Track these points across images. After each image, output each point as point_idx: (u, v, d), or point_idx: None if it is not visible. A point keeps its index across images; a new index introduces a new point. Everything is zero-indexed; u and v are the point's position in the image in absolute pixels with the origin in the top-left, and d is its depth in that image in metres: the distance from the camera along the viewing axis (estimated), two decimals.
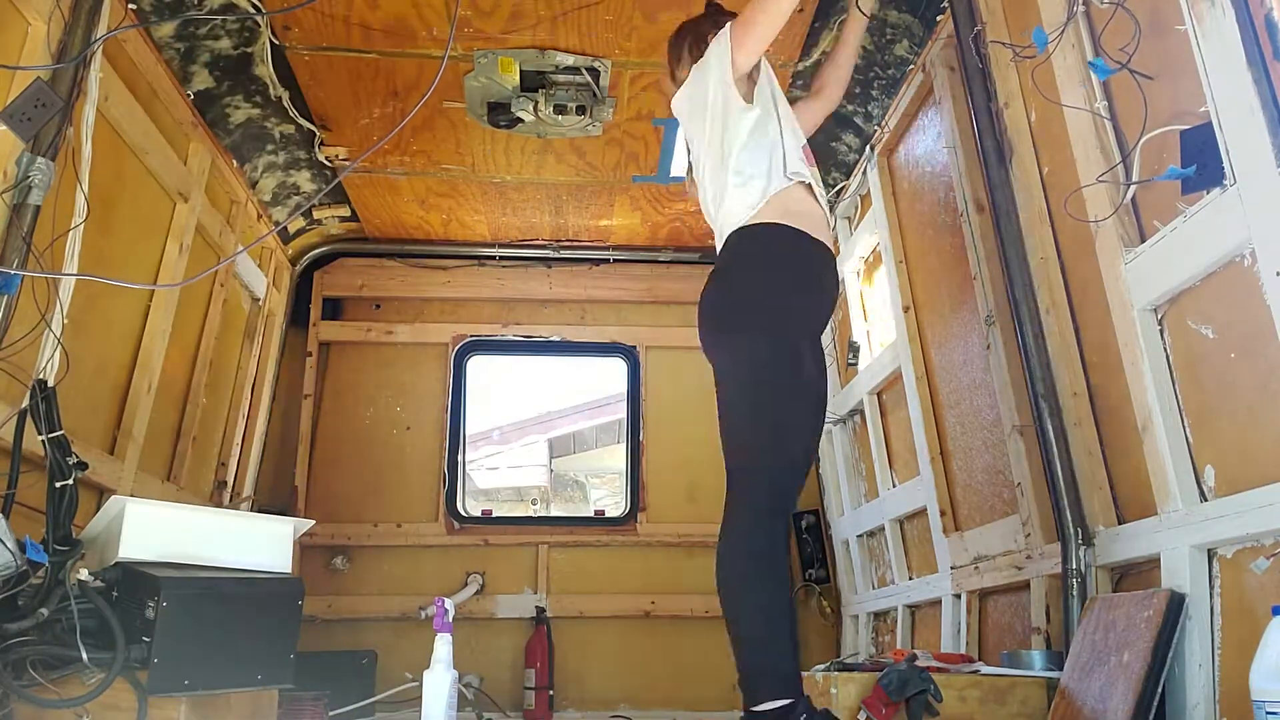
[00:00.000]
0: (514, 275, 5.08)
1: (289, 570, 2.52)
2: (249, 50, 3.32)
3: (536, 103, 3.50)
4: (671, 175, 4.23)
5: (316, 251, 4.91)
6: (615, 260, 5.09)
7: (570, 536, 4.84)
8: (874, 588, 4.24)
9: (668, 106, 2.75)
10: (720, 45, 2.46)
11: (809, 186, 2.45)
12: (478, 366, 5.24)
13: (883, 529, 4.03)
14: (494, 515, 5.49)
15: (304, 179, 4.18)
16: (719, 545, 2.26)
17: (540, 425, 11.78)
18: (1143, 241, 2.18)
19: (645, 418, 5.00)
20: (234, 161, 3.83)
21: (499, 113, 3.61)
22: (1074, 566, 2.44)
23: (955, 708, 2.31)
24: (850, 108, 3.71)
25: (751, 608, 2.22)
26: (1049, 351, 2.59)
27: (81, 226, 2.59)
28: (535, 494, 10.93)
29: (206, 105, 3.46)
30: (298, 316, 4.86)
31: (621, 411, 5.55)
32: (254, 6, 3.04)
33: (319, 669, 3.75)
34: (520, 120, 3.61)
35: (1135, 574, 2.34)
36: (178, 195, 3.40)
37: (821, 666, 2.76)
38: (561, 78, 3.46)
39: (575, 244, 5.02)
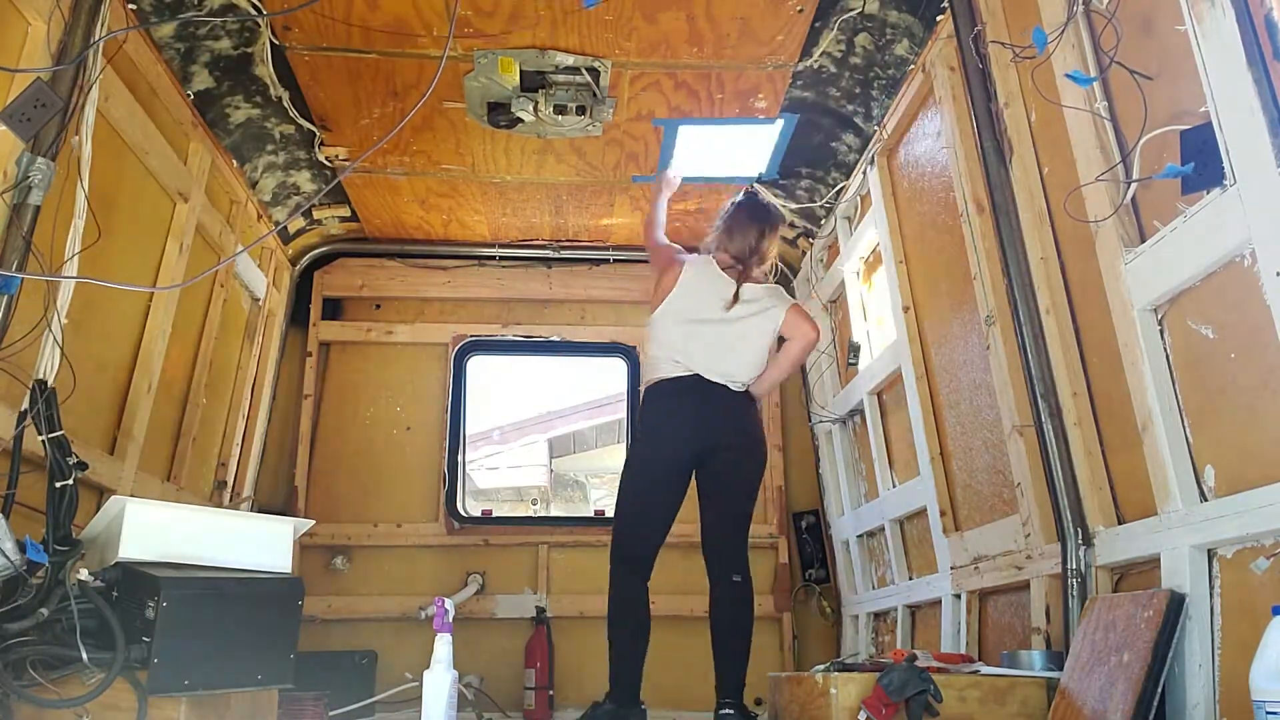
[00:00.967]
0: (514, 275, 5.08)
1: (289, 570, 2.52)
2: (249, 50, 3.32)
3: (536, 103, 3.50)
4: None
5: (316, 251, 4.91)
6: (615, 260, 5.09)
7: (570, 536, 4.84)
8: (874, 588, 4.24)
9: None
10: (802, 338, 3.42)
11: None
12: (478, 366, 5.24)
13: (883, 529, 4.03)
14: (494, 515, 5.49)
15: (304, 179, 4.18)
16: (747, 584, 3.31)
17: (540, 425, 11.78)
18: (1143, 241, 2.18)
19: None
20: (234, 161, 3.83)
21: (499, 113, 3.61)
22: (1074, 566, 2.44)
23: (955, 708, 2.31)
24: (850, 108, 3.71)
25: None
26: (1049, 351, 2.59)
27: (81, 226, 2.59)
28: (535, 494, 10.93)
29: (206, 105, 3.46)
30: (298, 316, 4.86)
31: (621, 411, 5.55)
32: (254, 7, 3.04)
33: (319, 669, 3.75)
34: (520, 120, 3.61)
35: (1135, 574, 2.34)
36: (178, 195, 3.40)
37: (821, 666, 2.76)
38: (561, 78, 3.46)
39: (575, 244, 5.02)
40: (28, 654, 2.06)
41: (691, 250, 3.62)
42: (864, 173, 3.94)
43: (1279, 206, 1.72)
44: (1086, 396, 2.52)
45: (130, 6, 2.87)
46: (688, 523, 4.71)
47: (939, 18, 3.05)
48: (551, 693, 4.38)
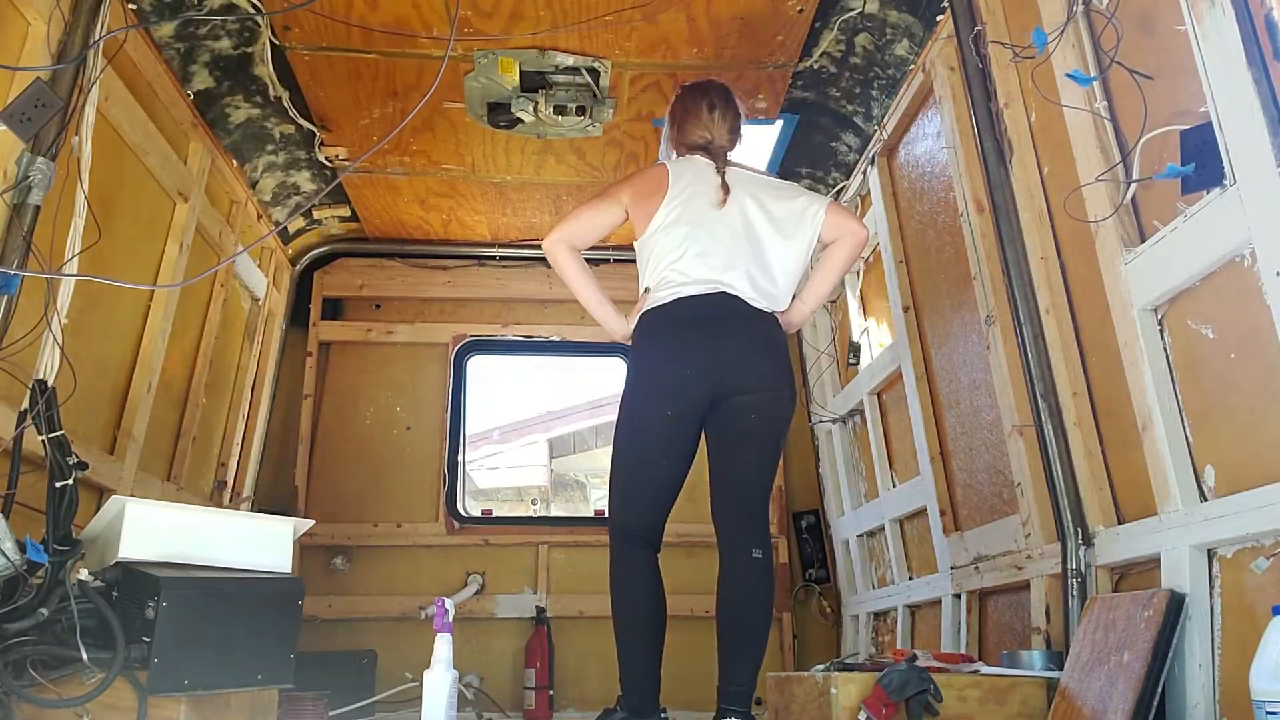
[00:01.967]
0: (514, 275, 5.08)
1: (289, 570, 2.52)
2: (249, 50, 3.32)
3: (536, 103, 3.50)
4: None
5: (316, 251, 4.91)
6: (615, 260, 5.08)
7: (570, 536, 4.83)
8: (874, 588, 4.24)
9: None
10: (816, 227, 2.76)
11: None
12: (478, 366, 5.24)
13: (883, 529, 4.03)
14: (494, 515, 5.49)
15: (304, 179, 4.18)
16: (767, 560, 2.62)
17: (540, 425, 11.78)
18: (1143, 241, 2.18)
19: None
20: (234, 161, 3.83)
21: (499, 113, 3.61)
22: (1074, 566, 2.44)
23: (955, 708, 2.31)
24: (850, 108, 3.71)
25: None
26: (1049, 351, 2.59)
27: (81, 226, 2.59)
28: (535, 494, 10.92)
29: (206, 105, 3.46)
30: (298, 316, 4.86)
31: None
32: (254, 7, 3.04)
33: (319, 669, 3.74)
34: (520, 120, 3.61)
35: (1135, 574, 2.34)
36: (178, 195, 3.40)
37: (821, 666, 2.76)
38: (561, 78, 3.46)
39: None
40: (28, 654, 2.06)
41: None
42: (864, 173, 3.95)
43: (1279, 206, 1.72)
44: (1086, 396, 2.52)
45: (130, 6, 2.86)
46: (684, 522, 4.68)
47: (939, 18, 3.05)
48: (551, 692, 4.38)
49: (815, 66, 3.47)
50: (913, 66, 3.32)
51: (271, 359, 4.57)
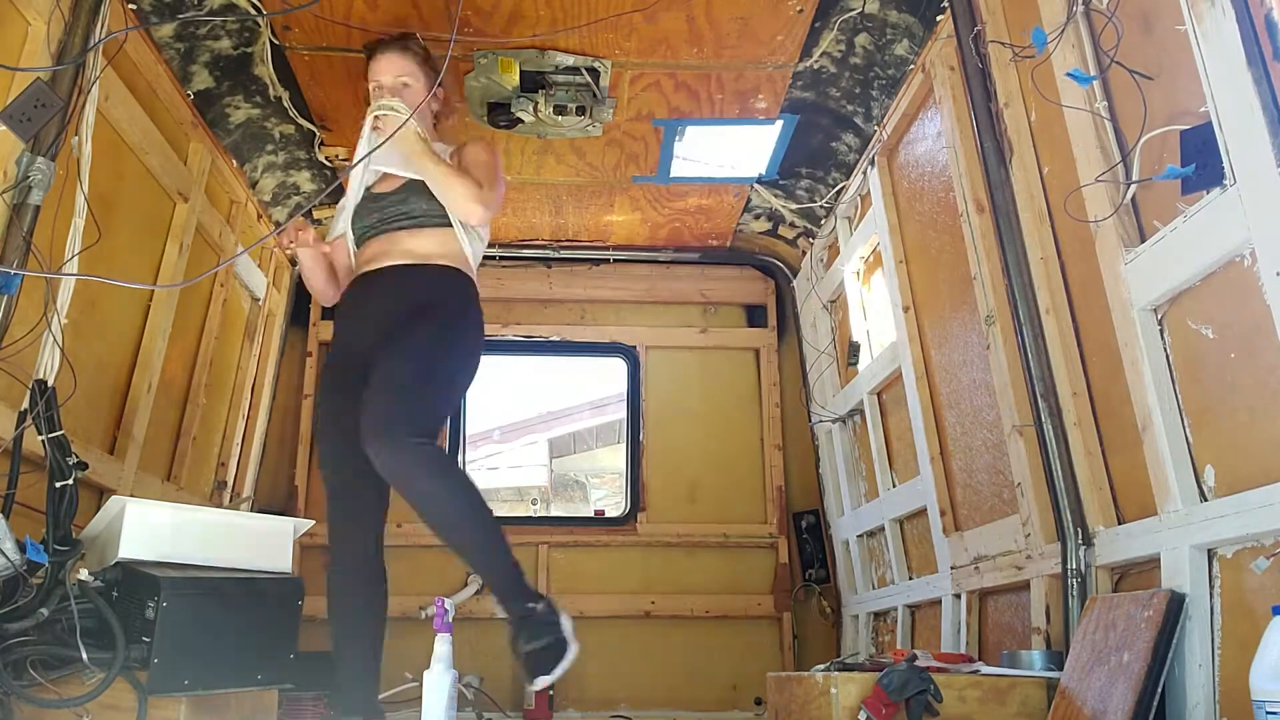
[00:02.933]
0: (514, 275, 5.07)
1: (289, 570, 2.52)
2: (249, 50, 3.32)
3: (536, 103, 3.50)
4: (671, 176, 4.23)
5: None
6: (615, 260, 5.08)
7: (570, 536, 4.83)
8: (874, 588, 4.24)
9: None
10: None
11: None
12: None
13: (883, 529, 4.03)
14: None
15: (304, 179, 4.18)
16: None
17: (540, 425, 11.78)
18: (1143, 241, 2.18)
19: (645, 418, 5.00)
20: (234, 161, 3.83)
21: (499, 113, 3.60)
22: (1074, 566, 2.44)
23: (955, 708, 2.31)
24: (850, 108, 3.71)
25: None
26: (1049, 351, 2.59)
27: (81, 226, 2.59)
28: (535, 494, 10.92)
29: (206, 105, 3.46)
30: (298, 316, 4.86)
31: (621, 411, 5.54)
32: (254, 7, 3.04)
33: (319, 669, 3.74)
34: (520, 120, 3.61)
35: (1135, 574, 2.34)
36: (178, 195, 3.40)
37: (821, 666, 2.76)
38: (561, 78, 3.46)
39: (575, 244, 5.01)
40: (28, 654, 2.06)
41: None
42: (864, 173, 3.94)
43: (1279, 206, 1.72)
44: (1086, 396, 2.52)
45: (130, 6, 2.87)
46: (685, 522, 4.69)
47: (939, 18, 3.05)
48: (551, 693, 4.38)
49: (815, 66, 3.47)
50: (913, 66, 3.32)
51: (271, 359, 4.57)
